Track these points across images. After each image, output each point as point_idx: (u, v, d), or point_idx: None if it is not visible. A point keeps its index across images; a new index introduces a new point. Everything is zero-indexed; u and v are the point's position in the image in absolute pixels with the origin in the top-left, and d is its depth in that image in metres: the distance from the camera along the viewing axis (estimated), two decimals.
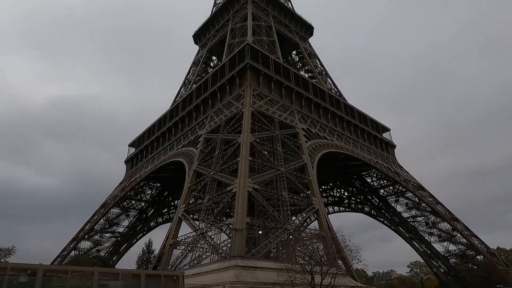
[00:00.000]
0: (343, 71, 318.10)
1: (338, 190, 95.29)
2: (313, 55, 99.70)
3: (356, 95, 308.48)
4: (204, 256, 42.07)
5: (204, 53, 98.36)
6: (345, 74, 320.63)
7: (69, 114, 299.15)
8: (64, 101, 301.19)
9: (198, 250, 42.74)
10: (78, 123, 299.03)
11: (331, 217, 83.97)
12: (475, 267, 74.16)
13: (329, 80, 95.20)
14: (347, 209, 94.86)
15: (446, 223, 75.49)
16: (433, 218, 78.22)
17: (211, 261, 39.30)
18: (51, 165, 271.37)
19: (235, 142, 50.27)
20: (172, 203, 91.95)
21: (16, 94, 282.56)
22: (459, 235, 74.10)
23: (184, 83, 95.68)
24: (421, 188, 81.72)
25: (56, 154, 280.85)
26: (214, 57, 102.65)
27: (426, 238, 79.91)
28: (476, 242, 73.39)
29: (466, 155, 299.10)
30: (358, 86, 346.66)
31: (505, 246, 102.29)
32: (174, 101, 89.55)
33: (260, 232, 42.48)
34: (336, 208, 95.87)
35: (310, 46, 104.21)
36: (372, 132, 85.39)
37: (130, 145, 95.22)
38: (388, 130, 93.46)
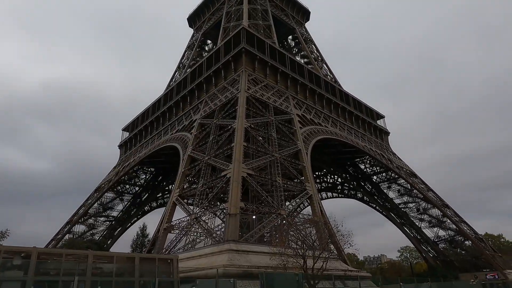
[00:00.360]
0: (339, 57, 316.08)
1: (332, 176, 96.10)
2: (309, 40, 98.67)
3: (352, 81, 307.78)
4: (198, 240, 42.46)
5: (199, 37, 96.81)
6: (341, 60, 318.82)
7: (61, 97, 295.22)
8: (55, 83, 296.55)
9: (192, 234, 43.12)
10: (70, 107, 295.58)
11: (324, 202, 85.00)
12: (463, 252, 76.09)
13: (325, 66, 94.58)
14: (340, 195, 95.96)
15: (436, 209, 76.86)
16: (424, 204, 79.54)
17: (205, 245, 39.71)
18: (43, 148, 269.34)
19: (229, 127, 50.12)
20: (167, 188, 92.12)
21: (6, 75, 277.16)
22: (448, 221, 75.59)
23: (178, 67, 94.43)
24: (413, 175, 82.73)
25: (48, 137, 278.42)
26: (209, 41, 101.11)
27: (417, 223, 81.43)
28: (465, 228, 75.02)
29: (458, 142, 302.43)
30: (354, 73, 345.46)
31: (493, 232, 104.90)
32: (169, 85, 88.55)
33: (254, 217, 42.89)
34: (329, 194, 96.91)
35: (306, 31, 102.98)
36: (366, 119, 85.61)
37: (124, 129, 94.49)
38: (382, 117, 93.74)
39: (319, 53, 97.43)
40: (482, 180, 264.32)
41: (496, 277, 66.03)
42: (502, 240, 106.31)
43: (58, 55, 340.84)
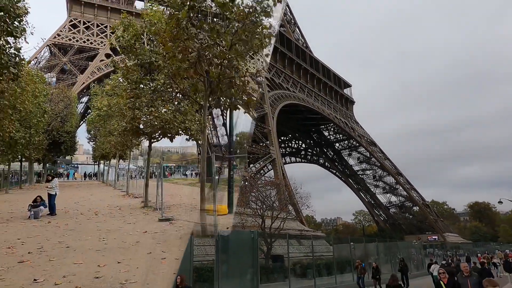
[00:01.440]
0: (311, 22, 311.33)
1: (296, 142, 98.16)
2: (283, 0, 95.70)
3: (321, 47, 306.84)
4: None
5: None
6: (312, 25, 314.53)
7: None
8: None
9: None
10: None
11: (287, 166, 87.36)
12: (410, 216, 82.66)
13: (297, 29, 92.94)
14: (303, 160, 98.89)
15: (391, 177, 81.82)
16: (380, 172, 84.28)
17: None
18: None
19: None
20: None
21: None
22: (401, 188, 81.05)
23: None
24: (373, 144, 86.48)
25: None
26: None
27: (372, 189, 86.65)
28: (414, 195, 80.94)
29: (417, 116, 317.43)
30: (324, 39, 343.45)
31: (439, 199, 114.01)
32: None
33: None
34: (292, 158, 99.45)
35: None
36: (334, 87, 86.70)
37: None
38: (349, 86, 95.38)
39: (292, 15, 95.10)
40: (434, 153, 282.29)
41: (436, 239, 72.82)
42: (446, 207, 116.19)
43: None
